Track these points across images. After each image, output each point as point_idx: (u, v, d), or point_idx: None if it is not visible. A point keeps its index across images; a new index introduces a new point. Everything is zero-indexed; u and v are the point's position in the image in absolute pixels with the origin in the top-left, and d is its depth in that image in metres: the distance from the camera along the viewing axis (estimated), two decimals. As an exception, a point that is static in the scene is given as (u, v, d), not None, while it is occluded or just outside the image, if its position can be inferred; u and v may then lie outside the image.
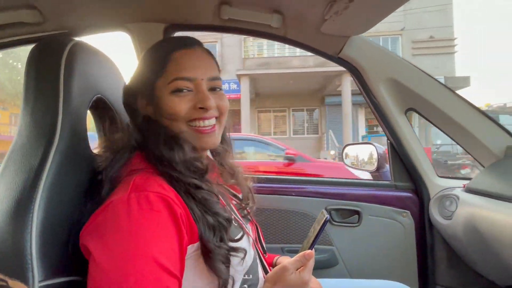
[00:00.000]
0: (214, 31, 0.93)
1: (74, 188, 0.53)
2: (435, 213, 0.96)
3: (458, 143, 0.99)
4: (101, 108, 0.68)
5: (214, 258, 0.48)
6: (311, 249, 0.54)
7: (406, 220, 1.02)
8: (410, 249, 1.01)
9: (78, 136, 0.55)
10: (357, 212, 1.03)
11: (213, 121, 0.56)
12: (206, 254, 0.49)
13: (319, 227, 0.55)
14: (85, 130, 0.57)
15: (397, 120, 0.98)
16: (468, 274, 0.95)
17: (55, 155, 0.48)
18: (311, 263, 0.53)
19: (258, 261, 0.61)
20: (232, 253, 0.51)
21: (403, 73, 0.94)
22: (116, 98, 0.71)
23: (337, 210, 1.03)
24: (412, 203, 1.03)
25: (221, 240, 0.50)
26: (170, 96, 0.53)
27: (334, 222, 1.03)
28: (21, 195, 0.43)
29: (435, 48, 10.17)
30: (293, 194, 1.05)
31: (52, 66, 0.52)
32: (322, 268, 1.01)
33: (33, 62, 0.53)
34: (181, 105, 0.53)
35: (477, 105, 0.93)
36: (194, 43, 0.58)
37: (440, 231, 0.96)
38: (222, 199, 0.55)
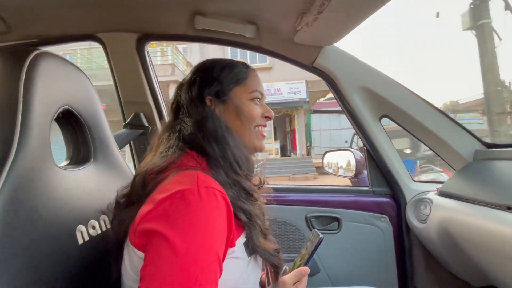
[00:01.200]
0: (188, 41, 0.92)
1: (37, 209, 0.50)
2: (411, 217, 0.98)
3: (430, 148, 1.02)
4: (69, 119, 0.66)
5: (271, 254, 0.56)
6: (307, 266, 0.62)
7: (384, 225, 1.03)
8: (389, 253, 1.03)
9: (41, 150, 0.52)
10: (337, 219, 1.03)
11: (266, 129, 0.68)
12: (262, 253, 0.55)
13: (313, 246, 0.62)
14: (49, 144, 0.54)
15: (372, 127, 1.00)
16: (444, 275, 0.97)
17: (10, 173, 0.45)
18: (305, 279, 0.61)
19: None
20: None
21: (376, 82, 0.96)
22: (86, 108, 0.68)
23: (317, 217, 1.04)
24: (390, 208, 1.05)
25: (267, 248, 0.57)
26: (249, 102, 0.63)
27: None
28: None
29: None
30: (274, 203, 1.04)
31: (11, 78, 0.50)
32: (304, 277, 1.01)
33: None
34: (258, 110, 0.64)
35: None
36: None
37: (417, 234, 0.98)
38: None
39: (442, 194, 0.92)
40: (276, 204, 1.04)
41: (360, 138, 1.07)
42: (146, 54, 0.95)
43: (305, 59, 0.93)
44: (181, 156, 0.56)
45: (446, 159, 1.01)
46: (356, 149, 1.27)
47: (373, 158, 1.06)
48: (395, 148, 1.06)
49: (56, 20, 0.87)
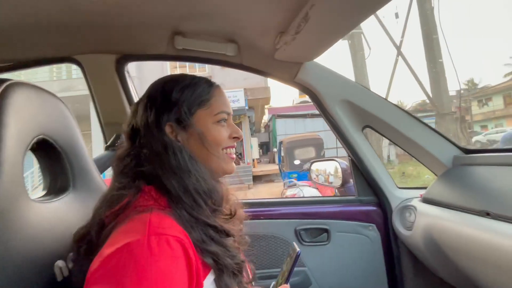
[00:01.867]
0: (168, 60, 0.92)
1: (13, 242, 0.47)
2: (397, 224, 1.00)
3: (411, 155, 1.05)
4: (45, 148, 0.63)
5: None
6: (287, 283, 0.58)
7: (372, 233, 1.05)
8: (378, 262, 1.04)
9: (13, 185, 0.50)
10: (326, 230, 1.04)
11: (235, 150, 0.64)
12: None
13: (292, 262, 0.59)
14: (22, 176, 0.52)
15: (355, 137, 1.02)
16: (434, 281, 0.99)
17: None
18: None
19: None
20: None
21: (356, 95, 0.99)
22: (63, 137, 0.66)
23: (306, 230, 1.04)
24: (377, 216, 1.06)
25: (240, 283, 0.52)
26: (214, 125, 0.59)
27: (304, 243, 1.03)
28: None
29: None
30: (262, 217, 1.04)
31: None
32: (296, 291, 1.00)
33: None
34: (224, 134, 0.60)
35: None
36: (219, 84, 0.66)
37: (404, 241, 1.00)
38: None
39: (425, 200, 0.94)
40: (265, 219, 1.04)
41: (344, 148, 1.09)
42: (126, 74, 0.94)
43: (287, 75, 0.95)
44: (137, 195, 0.51)
45: (428, 166, 1.04)
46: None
47: (358, 168, 1.08)
48: (378, 157, 1.08)
49: (32, 43, 0.85)
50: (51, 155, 0.66)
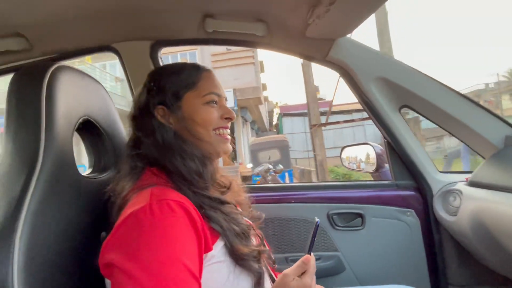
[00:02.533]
0: (200, 44, 0.93)
1: (64, 216, 0.52)
2: (439, 210, 0.94)
3: (456, 137, 0.97)
4: (89, 129, 0.68)
5: (248, 259, 0.53)
6: (309, 254, 0.56)
7: (411, 219, 0.99)
8: (418, 249, 0.98)
9: (64, 161, 0.54)
10: (360, 215, 1.00)
11: (229, 131, 0.65)
12: (240, 258, 0.52)
13: (311, 233, 0.57)
14: (72, 153, 0.56)
15: (392, 118, 0.97)
16: (480, 270, 0.92)
17: (38, 183, 0.47)
18: (312, 268, 0.55)
19: (268, 274, 0.60)
20: (262, 253, 0.56)
21: (393, 71, 0.93)
22: (104, 118, 0.70)
23: (339, 214, 1.01)
24: (416, 201, 1.00)
25: (249, 243, 0.55)
26: (204, 106, 0.60)
27: (337, 227, 1.00)
28: (2, 227, 0.42)
29: (233, 60, 10.12)
30: (293, 201, 1.02)
31: (33, 92, 0.52)
32: (329, 275, 0.98)
33: (14, 90, 0.53)
34: (214, 114, 0.61)
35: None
36: (211, 69, 0.67)
37: (447, 228, 0.94)
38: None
39: (472, 184, 0.87)
40: (296, 203, 1.03)
41: (379, 130, 1.03)
42: (160, 61, 0.97)
43: (318, 53, 0.91)
44: (141, 175, 0.55)
45: (475, 148, 0.95)
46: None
47: (395, 150, 1.02)
48: (417, 139, 1.01)
49: (73, 34, 0.91)
50: (95, 135, 0.70)
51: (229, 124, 0.64)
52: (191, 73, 0.62)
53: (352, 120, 7.24)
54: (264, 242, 0.67)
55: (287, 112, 13.80)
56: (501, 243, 0.73)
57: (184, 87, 0.61)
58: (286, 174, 6.19)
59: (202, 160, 0.57)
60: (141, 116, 0.60)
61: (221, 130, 0.62)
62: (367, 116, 1.05)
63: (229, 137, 0.64)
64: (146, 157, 0.57)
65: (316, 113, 6.58)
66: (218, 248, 0.51)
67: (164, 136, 0.57)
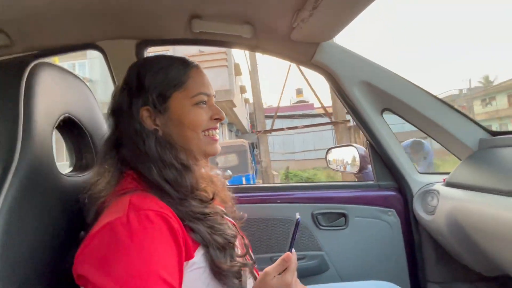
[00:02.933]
0: (186, 44, 0.93)
1: (41, 214, 0.51)
2: (418, 209, 0.97)
3: (434, 139, 1.02)
4: (70, 127, 0.67)
5: (228, 275, 0.51)
6: (290, 251, 0.56)
7: (392, 218, 1.02)
8: (398, 247, 1.01)
9: (43, 159, 0.53)
10: (344, 215, 1.03)
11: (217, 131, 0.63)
12: (219, 273, 0.50)
13: (292, 230, 0.57)
14: (51, 151, 0.55)
15: (374, 121, 1.00)
16: (456, 268, 0.96)
17: (14, 181, 0.46)
18: (293, 265, 0.54)
19: (248, 273, 0.60)
20: (243, 268, 0.54)
21: (376, 76, 0.96)
22: (85, 116, 0.69)
23: (323, 214, 1.03)
24: (397, 201, 1.04)
25: (232, 257, 0.53)
26: (193, 108, 0.57)
27: (321, 227, 1.02)
28: None
29: (206, 62, 10.14)
30: (278, 201, 1.04)
31: (11, 88, 0.51)
32: (314, 274, 1.00)
33: None
34: (203, 116, 0.58)
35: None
36: (198, 64, 0.63)
37: (426, 227, 0.97)
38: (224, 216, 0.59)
39: (449, 184, 0.91)
40: (281, 203, 1.04)
41: (362, 132, 1.06)
42: (146, 60, 0.96)
43: (303, 56, 0.94)
44: (121, 179, 0.52)
45: (451, 150, 1.00)
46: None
47: (377, 152, 1.05)
48: (398, 141, 1.05)
49: (57, 31, 0.89)
50: (76, 133, 0.69)
51: (218, 125, 0.62)
52: (179, 71, 0.58)
53: (296, 127, 7.38)
54: (250, 251, 0.65)
55: (266, 114, 13.76)
56: (476, 241, 0.77)
57: (172, 87, 0.57)
58: (243, 179, 6.03)
59: (181, 170, 0.53)
60: (121, 115, 0.56)
61: (210, 132, 0.60)
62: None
63: (217, 137, 0.62)
64: (125, 160, 0.54)
65: (262, 120, 6.60)
66: (200, 255, 0.50)
67: (146, 141, 0.54)
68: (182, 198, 0.52)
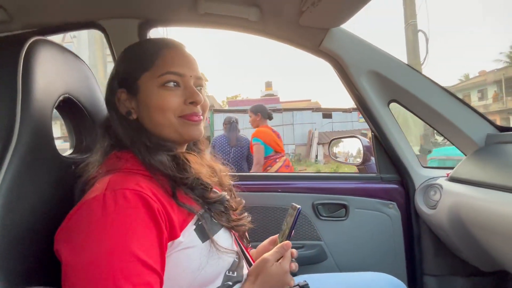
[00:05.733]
0: (190, 25, 0.90)
1: (40, 194, 0.50)
2: (420, 203, 0.97)
3: (440, 133, 1.00)
4: (69, 107, 0.65)
5: (216, 204, 0.56)
6: (289, 239, 0.58)
7: (392, 211, 1.02)
8: (397, 240, 1.02)
9: (42, 138, 0.52)
10: (344, 206, 1.02)
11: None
12: (208, 203, 0.55)
13: (292, 219, 0.58)
14: (51, 131, 0.54)
15: (380, 112, 0.98)
16: (454, 262, 0.96)
17: (12, 160, 0.45)
18: (289, 254, 0.57)
19: (242, 257, 0.60)
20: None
21: (385, 65, 0.93)
22: (86, 97, 0.68)
23: (323, 204, 1.03)
24: (398, 194, 1.03)
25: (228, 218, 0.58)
26: (159, 89, 0.53)
27: (321, 217, 1.02)
28: None
29: None
30: (279, 190, 1.03)
31: (8, 65, 0.49)
32: (311, 263, 1.00)
33: None
34: (173, 99, 0.53)
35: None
36: (181, 44, 0.58)
37: (426, 221, 0.97)
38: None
39: (453, 179, 0.89)
40: (282, 192, 1.03)
41: (367, 123, 1.04)
42: (149, 41, 0.94)
43: (311, 42, 0.90)
44: (110, 159, 0.52)
45: (457, 144, 0.98)
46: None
47: (381, 144, 1.04)
48: (403, 134, 1.03)
49: (57, 8, 0.86)
50: (76, 114, 0.68)
51: (198, 110, 0.55)
52: (150, 50, 0.55)
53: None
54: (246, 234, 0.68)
55: (218, 109, 13.61)
56: (477, 236, 0.76)
57: (140, 67, 0.54)
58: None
59: (156, 151, 0.52)
60: (107, 98, 0.57)
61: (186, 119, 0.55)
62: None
63: (197, 118, 0.55)
64: (115, 140, 0.54)
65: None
66: (188, 232, 0.50)
67: (123, 123, 0.54)
68: (176, 176, 0.52)
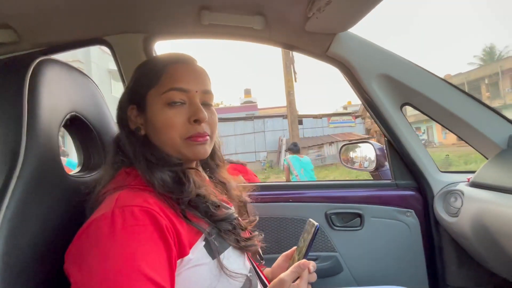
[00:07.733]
0: (195, 37, 0.90)
1: (47, 216, 0.49)
2: (440, 210, 0.92)
3: (458, 136, 0.95)
4: (77, 125, 0.65)
5: (223, 222, 0.53)
6: (305, 258, 0.55)
7: (410, 219, 0.97)
8: (417, 250, 0.97)
9: (49, 159, 0.51)
10: (359, 215, 0.98)
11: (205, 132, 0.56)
12: (215, 222, 0.52)
13: (309, 236, 0.56)
14: (57, 151, 0.54)
15: (393, 116, 0.94)
16: (480, 272, 0.91)
17: (18, 182, 0.44)
18: (306, 273, 0.53)
19: (254, 273, 0.59)
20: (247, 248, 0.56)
21: (396, 68, 0.90)
22: (93, 114, 0.67)
23: (337, 214, 0.99)
24: (416, 201, 0.98)
25: (237, 238, 0.54)
26: (163, 107, 0.52)
27: (335, 227, 0.98)
28: None
29: None
30: (291, 200, 1.00)
31: (14, 86, 0.49)
32: (327, 276, 0.97)
33: None
34: (176, 118, 0.52)
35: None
36: (190, 58, 0.58)
37: (447, 229, 0.92)
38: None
39: (474, 184, 0.85)
40: (294, 202, 1.00)
41: (380, 128, 1.01)
42: (154, 54, 0.94)
43: (318, 48, 0.88)
44: (116, 176, 0.52)
45: (477, 148, 0.93)
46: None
47: (395, 149, 1.00)
48: (418, 137, 0.99)
49: (64, 26, 0.87)
50: (84, 132, 0.67)
51: (203, 128, 0.53)
52: (156, 66, 0.54)
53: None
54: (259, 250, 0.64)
55: None
56: (503, 245, 0.71)
57: (147, 84, 0.54)
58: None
59: (171, 172, 0.51)
60: (118, 114, 0.57)
61: (192, 140, 0.53)
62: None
63: (202, 139, 0.53)
64: (124, 156, 0.54)
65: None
66: (197, 249, 0.48)
67: (131, 139, 0.54)
68: (182, 197, 0.50)
